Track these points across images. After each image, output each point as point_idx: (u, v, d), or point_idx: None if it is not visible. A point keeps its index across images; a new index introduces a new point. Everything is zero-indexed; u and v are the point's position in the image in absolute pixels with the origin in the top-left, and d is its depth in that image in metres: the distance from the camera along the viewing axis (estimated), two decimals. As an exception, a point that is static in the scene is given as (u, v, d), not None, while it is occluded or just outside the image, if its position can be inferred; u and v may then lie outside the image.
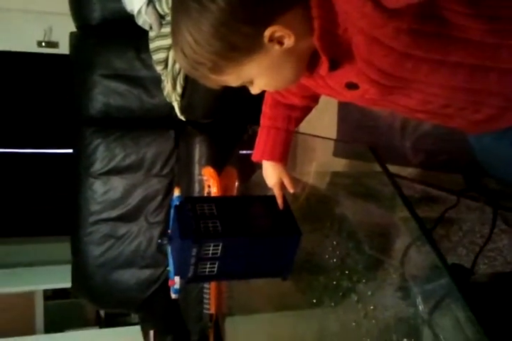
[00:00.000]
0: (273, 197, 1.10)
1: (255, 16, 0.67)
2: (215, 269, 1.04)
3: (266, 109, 1.05)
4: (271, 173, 1.08)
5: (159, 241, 1.08)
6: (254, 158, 1.08)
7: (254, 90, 0.81)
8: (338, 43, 0.70)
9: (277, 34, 0.68)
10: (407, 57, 0.68)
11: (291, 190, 1.08)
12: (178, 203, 1.10)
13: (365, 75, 0.72)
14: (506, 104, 0.77)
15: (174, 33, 0.73)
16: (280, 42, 0.69)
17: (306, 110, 1.04)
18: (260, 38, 0.68)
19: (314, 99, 1.01)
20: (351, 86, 0.76)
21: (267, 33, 0.68)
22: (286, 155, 1.06)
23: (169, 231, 1.13)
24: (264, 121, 1.05)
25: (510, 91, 0.74)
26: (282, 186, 1.09)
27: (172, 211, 1.09)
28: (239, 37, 0.68)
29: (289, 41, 0.69)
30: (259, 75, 0.76)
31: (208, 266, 1.03)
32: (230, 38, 0.68)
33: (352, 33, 0.67)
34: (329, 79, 0.78)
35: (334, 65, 0.74)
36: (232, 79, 0.75)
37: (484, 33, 0.66)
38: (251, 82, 0.78)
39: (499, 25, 0.65)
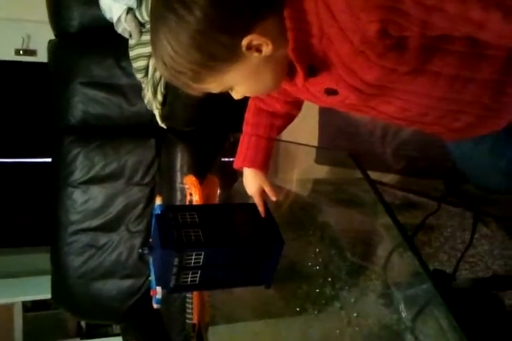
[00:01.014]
0: (255, 205, 1.10)
1: (232, 26, 0.67)
2: (197, 279, 1.03)
3: (248, 116, 1.05)
4: (251, 181, 1.07)
5: (140, 250, 1.07)
6: (235, 165, 1.08)
7: (236, 96, 0.81)
8: (314, 52, 0.71)
9: (255, 42, 0.69)
10: (391, 72, 0.69)
11: (273, 198, 1.08)
12: (159, 212, 1.09)
13: (344, 82, 0.73)
14: (485, 113, 0.78)
15: (154, 43, 0.73)
16: (259, 50, 0.70)
17: (289, 118, 1.04)
18: (238, 46, 0.69)
19: (297, 105, 1.02)
20: (330, 92, 0.77)
21: (245, 42, 0.68)
22: (268, 162, 1.06)
23: (150, 240, 1.12)
24: (246, 128, 1.05)
25: (489, 100, 0.76)
26: (263, 194, 1.09)
27: (153, 220, 1.08)
28: (217, 46, 0.68)
29: (267, 49, 0.70)
30: (239, 83, 0.76)
31: (190, 275, 1.02)
32: (208, 48, 0.68)
33: (335, 40, 0.68)
34: (309, 85, 0.78)
35: (312, 72, 0.74)
36: (213, 87, 0.76)
37: (464, 43, 0.67)
38: (232, 89, 0.78)
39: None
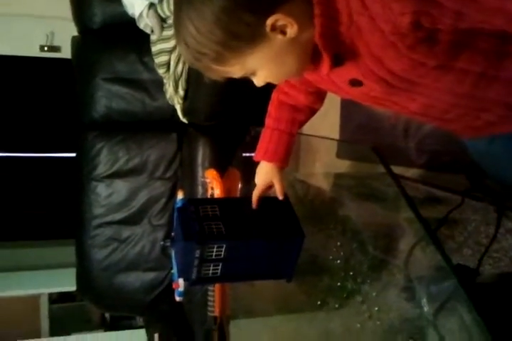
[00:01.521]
0: (276, 199, 1.10)
1: (257, 5, 0.66)
2: (219, 271, 1.04)
3: (271, 109, 1.04)
4: (264, 173, 1.07)
5: (162, 243, 1.08)
6: (256, 158, 1.07)
7: (258, 82, 0.80)
8: (341, 40, 0.70)
9: (279, 23, 0.68)
10: (420, 65, 0.68)
11: (280, 197, 1.07)
12: (181, 205, 1.10)
13: (371, 72, 0.72)
14: (507, 113, 0.77)
15: (176, 25, 0.72)
16: (283, 32, 0.69)
17: (310, 112, 1.04)
18: (262, 26, 0.68)
19: (319, 98, 1.01)
20: (355, 83, 0.76)
21: (269, 21, 0.67)
22: (288, 157, 1.06)
23: (172, 233, 1.13)
24: (268, 121, 1.05)
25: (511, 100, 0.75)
26: (267, 189, 1.08)
27: (175, 213, 1.09)
28: (241, 26, 0.67)
29: (291, 30, 0.68)
30: (262, 66, 0.74)
31: (212, 267, 1.03)
32: (232, 27, 0.68)
33: (364, 29, 0.67)
34: (333, 75, 0.77)
35: (338, 61, 0.73)
36: (235, 70, 0.74)
37: (494, 41, 0.66)
38: (254, 74, 0.77)
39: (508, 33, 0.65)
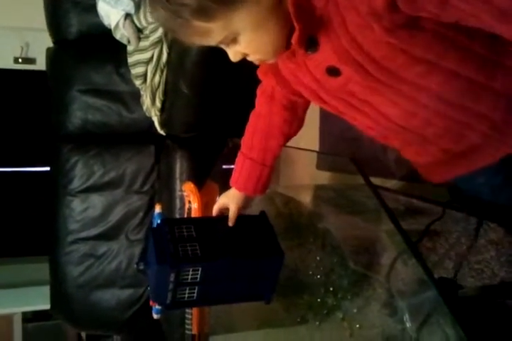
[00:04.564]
0: (254, 217, 1.07)
1: None
2: (195, 294, 1.00)
3: (246, 131, 1.01)
4: (226, 195, 1.05)
5: (135, 266, 1.03)
6: (231, 183, 1.04)
7: (235, 53, 0.74)
8: (317, 17, 0.67)
9: None
10: (400, 52, 0.65)
11: (229, 223, 1.04)
12: (159, 220, 1.06)
13: (348, 55, 0.68)
14: (491, 133, 0.75)
15: None
16: None
17: (284, 139, 0.99)
18: None
19: (295, 116, 0.97)
20: (332, 71, 0.72)
21: None
22: (259, 188, 1.02)
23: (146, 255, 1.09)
24: (242, 145, 1.01)
25: (499, 117, 0.72)
26: (223, 209, 1.06)
27: (150, 234, 1.05)
28: None
29: None
30: (245, 28, 0.69)
31: (187, 291, 0.99)
32: None
33: (341, 6, 0.64)
34: (309, 63, 0.74)
35: (314, 46, 0.70)
36: (216, 28, 0.68)
37: (484, 44, 0.65)
38: (235, 40, 0.72)
39: (501, 41, 0.64)
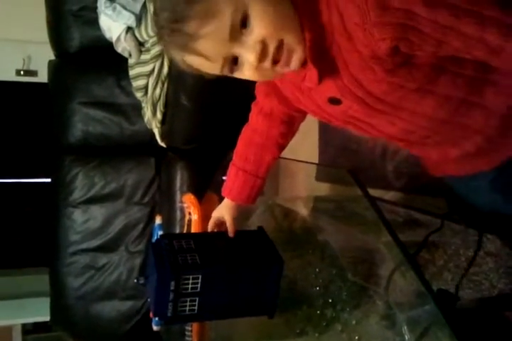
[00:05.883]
0: (252, 232, 1.08)
1: None
2: (196, 307, 1.00)
3: (239, 144, 1.01)
4: (221, 207, 1.05)
5: (135, 280, 1.04)
6: (222, 193, 1.05)
7: (255, 33, 0.66)
8: (323, 56, 0.69)
9: None
10: (400, 88, 0.68)
11: (230, 234, 1.05)
12: (159, 231, 1.07)
13: (350, 92, 0.71)
14: (485, 145, 0.77)
15: None
16: None
17: (278, 150, 1.01)
18: None
19: (290, 129, 0.99)
20: (334, 101, 0.75)
21: None
22: (253, 198, 1.03)
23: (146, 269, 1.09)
24: (235, 158, 1.02)
25: (492, 132, 0.75)
26: (220, 225, 1.06)
27: (149, 248, 1.06)
28: None
29: None
30: (259, 6, 0.65)
31: (188, 303, 0.99)
32: None
33: (344, 49, 0.67)
34: (313, 91, 0.77)
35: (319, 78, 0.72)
36: (223, 3, 0.64)
37: (474, 67, 0.66)
38: (246, 19, 0.65)
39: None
